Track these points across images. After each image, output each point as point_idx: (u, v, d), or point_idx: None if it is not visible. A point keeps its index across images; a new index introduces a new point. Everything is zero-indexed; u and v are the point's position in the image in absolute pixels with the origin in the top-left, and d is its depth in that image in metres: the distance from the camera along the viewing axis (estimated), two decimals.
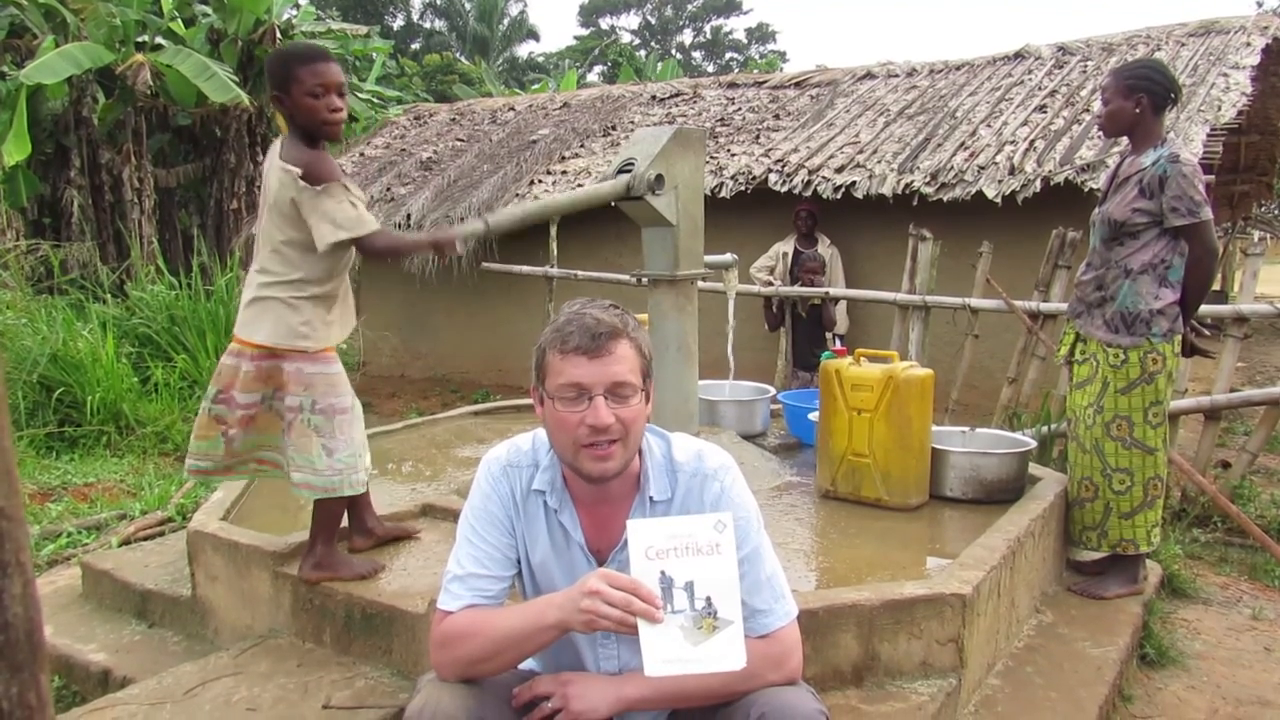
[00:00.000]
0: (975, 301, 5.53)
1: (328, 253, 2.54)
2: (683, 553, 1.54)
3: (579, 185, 8.20)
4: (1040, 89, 7.64)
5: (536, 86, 22.90)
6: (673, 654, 1.50)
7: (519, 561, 1.78)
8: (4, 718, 0.46)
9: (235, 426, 2.66)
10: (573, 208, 3.28)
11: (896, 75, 8.98)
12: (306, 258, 2.57)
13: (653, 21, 40.49)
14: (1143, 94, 3.23)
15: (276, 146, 2.64)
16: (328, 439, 2.64)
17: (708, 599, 1.52)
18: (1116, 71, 3.33)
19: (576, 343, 1.61)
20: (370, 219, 2.55)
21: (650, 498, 1.72)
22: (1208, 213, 3.17)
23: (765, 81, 10.00)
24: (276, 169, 2.55)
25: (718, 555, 1.54)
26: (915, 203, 6.59)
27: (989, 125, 7.20)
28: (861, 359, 3.58)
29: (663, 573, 1.53)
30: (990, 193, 6.27)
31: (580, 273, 7.49)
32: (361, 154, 10.90)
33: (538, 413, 1.71)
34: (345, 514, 2.84)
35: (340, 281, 2.70)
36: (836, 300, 6.55)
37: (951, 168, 6.63)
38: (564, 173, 8.73)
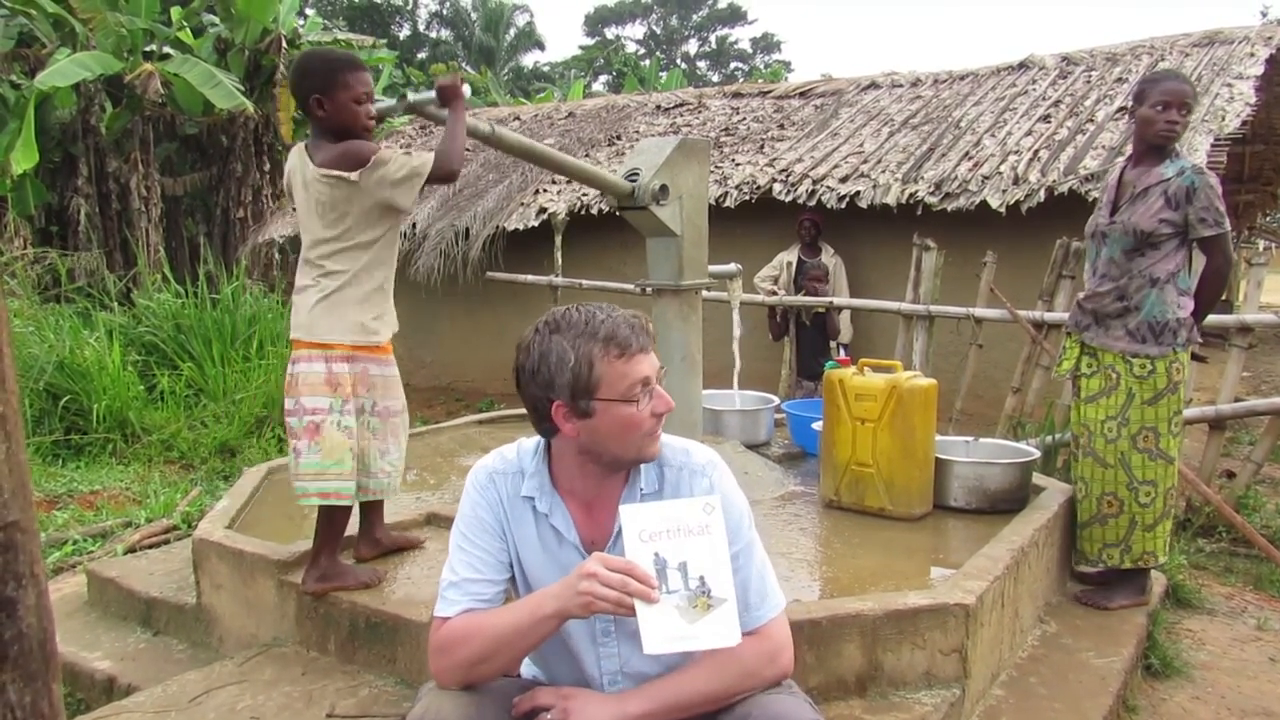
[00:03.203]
0: (979, 311, 5.53)
1: (395, 222, 2.65)
2: (675, 534, 1.57)
3: (584, 195, 8.23)
4: (1044, 99, 7.65)
5: (541, 96, 22.95)
6: (670, 632, 1.52)
7: (512, 565, 1.79)
8: None
9: (310, 433, 2.63)
10: (577, 174, 3.28)
11: (901, 85, 8.99)
12: (366, 252, 2.63)
13: (658, 31, 40.59)
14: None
15: (299, 156, 2.67)
16: (382, 441, 2.68)
17: (701, 578, 1.55)
18: (1189, 81, 3.28)
19: (638, 343, 1.65)
20: (424, 156, 2.60)
21: (640, 490, 1.74)
22: (1229, 224, 3.20)
23: (770, 91, 10.01)
24: (316, 178, 2.58)
25: (708, 535, 1.57)
26: (919, 212, 6.59)
27: (993, 135, 7.20)
28: (865, 368, 3.58)
29: (656, 554, 1.56)
30: (994, 203, 6.27)
31: (585, 281, 7.51)
32: None
33: (567, 431, 1.67)
34: (349, 523, 2.85)
35: (392, 270, 2.75)
36: (840, 310, 6.56)
37: (955, 177, 6.64)
38: (569, 182, 8.75)
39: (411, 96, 2.68)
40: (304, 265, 2.68)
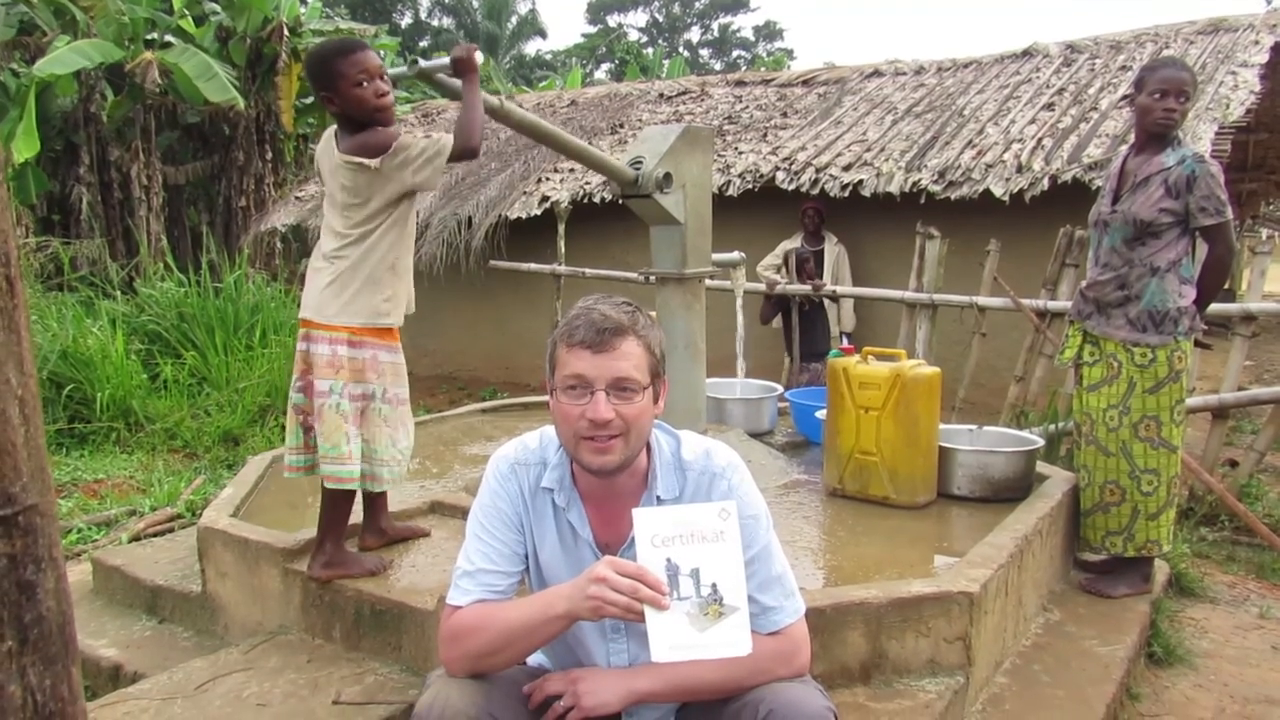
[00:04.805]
0: (982, 300, 5.52)
1: (411, 201, 2.68)
2: (688, 540, 1.55)
3: (587, 183, 8.21)
4: (1048, 87, 7.62)
5: (544, 84, 22.89)
6: (679, 640, 1.51)
7: (527, 558, 1.79)
8: (37, 710, 0.47)
9: (316, 415, 2.65)
10: (581, 156, 3.27)
11: (904, 73, 8.96)
12: (382, 232, 2.65)
13: (660, 19, 40.40)
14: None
15: (328, 141, 2.68)
16: (393, 429, 2.69)
17: (713, 586, 1.53)
18: (1188, 69, 3.26)
19: (581, 337, 1.64)
20: (443, 137, 2.60)
21: (658, 496, 1.73)
22: (1230, 212, 3.18)
23: (773, 79, 9.98)
24: (340, 164, 2.60)
25: (722, 542, 1.55)
26: (923, 201, 6.57)
27: (996, 123, 7.18)
28: (869, 357, 3.58)
29: (669, 560, 1.54)
30: (998, 191, 6.25)
31: (588, 270, 7.50)
32: None
33: (550, 406, 1.73)
34: (352, 511, 2.85)
35: (408, 251, 2.77)
36: (839, 298, 6.55)
37: (959, 166, 6.62)
38: (571, 170, 8.73)
39: (423, 63, 2.65)
40: (322, 244, 2.70)
